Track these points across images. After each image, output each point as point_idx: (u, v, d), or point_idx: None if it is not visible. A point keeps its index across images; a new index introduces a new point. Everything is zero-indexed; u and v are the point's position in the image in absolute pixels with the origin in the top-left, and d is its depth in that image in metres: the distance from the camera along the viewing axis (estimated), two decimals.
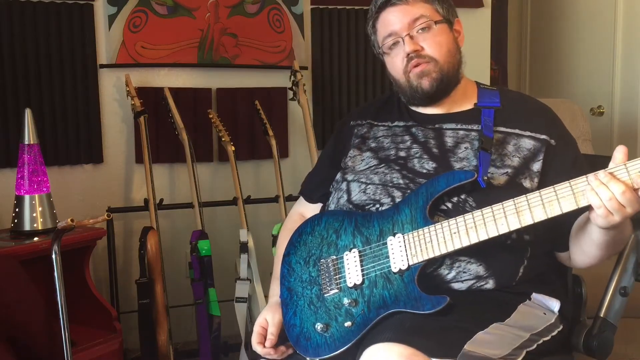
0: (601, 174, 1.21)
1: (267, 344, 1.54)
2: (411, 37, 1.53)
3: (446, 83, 1.55)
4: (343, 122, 1.75)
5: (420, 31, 1.53)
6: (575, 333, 1.60)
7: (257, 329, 1.57)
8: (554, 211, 1.28)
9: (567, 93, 4.11)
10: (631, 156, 1.24)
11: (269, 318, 1.57)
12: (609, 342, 1.59)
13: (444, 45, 1.54)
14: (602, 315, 1.61)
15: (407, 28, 1.53)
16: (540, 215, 1.29)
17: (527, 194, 1.31)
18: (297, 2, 3.13)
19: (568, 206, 1.26)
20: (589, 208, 1.26)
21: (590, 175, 1.23)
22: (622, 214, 1.21)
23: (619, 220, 1.22)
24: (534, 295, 1.48)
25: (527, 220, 1.30)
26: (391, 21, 1.55)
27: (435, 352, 1.24)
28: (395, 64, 1.57)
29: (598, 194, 1.21)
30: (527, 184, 1.46)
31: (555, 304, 1.49)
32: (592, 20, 3.98)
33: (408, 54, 1.53)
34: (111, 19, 2.85)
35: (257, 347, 1.55)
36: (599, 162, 1.73)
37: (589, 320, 1.64)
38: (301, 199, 1.81)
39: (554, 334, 1.45)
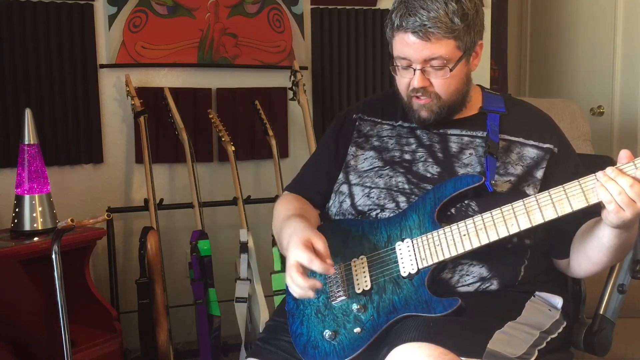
0: (609, 169, 1.24)
1: (328, 262, 1.36)
2: (423, 72, 1.48)
3: (446, 114, 1.54)
4: (345, 115, 1.71)
5: (434, 67, 1.47)
6: (576, 330, 1.62)
7: (299, 252, 1.35)
8: (565, 209, 1.29)
9: (567, 93, 4.11)
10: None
11: (314, 238, 1.39)
12: (609, 339, 1.62)
13: (452, 85, 1.50)
14: (601, 313, 1.63)
15: (421, 62, 1.46)
16: (550, 214, 1.30)
17: (537, 194, 1.32)
18: (297, 2, 3.12)
19: (578, 204, 1.28)
20: (597, 207, 1.28)
21: (599, 172, 1.25)
22: (632, 209, 1.22)
23: (630, 217, 1.23)
24: (538, 293, 1.50)
25: (537, 220, 1.31)
26: (409, 47, 1.46)
27: (462, 351, 1.25)
28: (402, 83, 1.54)
29: (607, 189, 1.22)
30: (530, 191, 1.47)
31: (558, 301, 1.51)
32: (592, 20, 3.98)
33: (414, 88, 1.50)
34: (111, 19, 2.85)
35: (316, 265, 1.34)
36: (599, 162, 1.74)
37: (587, 319, 1.66)
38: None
39: (559, 330, 1.48)
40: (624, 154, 1.25)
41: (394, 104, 1.64)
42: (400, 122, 1.62)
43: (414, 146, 1.57)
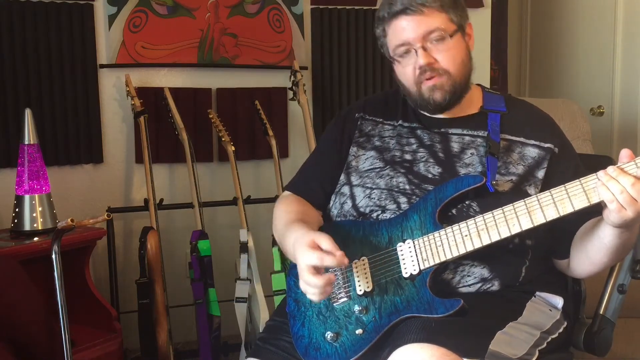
0: (610, 168, 1.24)
1: (338, 253, 1.33)
2: (425, 49, 1.47)
3: (459, 94, 1.53)
4: (346, 114, 1.70)
5: (434, 42, 1.47)
6: (576, 331, 1.63)
7: (308, 255, 1.34)
8: (566, 209, 1.28)
9: (567, 93, 4.11)
10: None
11: (319, 239, 1.37)
12: (609, 339, 1.62)
13: (457, 57, 1.50)
14: (601, 313, 1.64)
15: (421, 39, 1.47)
16: (552, 214, 1.29)
17: (538, 194, 1.32)
18: (297, 2, 3.12)
19: (580, 203, 1.27)
20: (597, 207, 1.28)
21: (600, 172, 1.25)
22: (634, 208, 1.22)
23: (632, 216, 1.23)
24: (538, 294, 1.50)
25: (539, 219, 1.30)
26: (405, 30, 1.48)
27: (464, 352, 1.25)
28: (407, 73, 1.52)
29: (609, 188, 1.22)
30: (531, 190, 1.47)
31: (558, 301, 1.51)
32: (592, 20, 3.98)
33: (421, 66, 1.48)
34: (111, 19, 2.85)
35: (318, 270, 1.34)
36: (599, 162, 1.74)
37: (587, 319, 1.66)
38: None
39: (560, 331, 1.48)
40: (625, 153, 1.25)
41: (395, 104, 1.64)
42: (400, 122, 1.62)
43: (414, 146, 1.57)
